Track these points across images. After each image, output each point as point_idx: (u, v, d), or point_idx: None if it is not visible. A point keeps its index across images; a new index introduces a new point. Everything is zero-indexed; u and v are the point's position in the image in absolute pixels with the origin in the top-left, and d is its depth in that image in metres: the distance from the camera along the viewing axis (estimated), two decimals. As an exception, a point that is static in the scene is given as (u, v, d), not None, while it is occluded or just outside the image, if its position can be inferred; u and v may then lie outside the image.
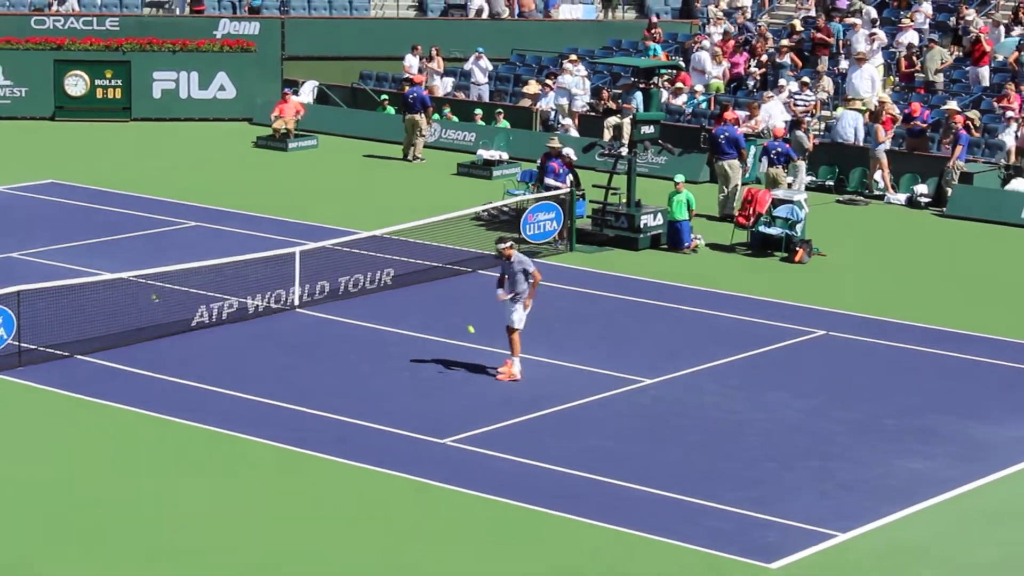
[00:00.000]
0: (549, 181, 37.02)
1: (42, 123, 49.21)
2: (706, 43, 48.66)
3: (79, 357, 28.22)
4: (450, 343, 29.29)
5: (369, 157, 45.89)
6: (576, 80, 47.33)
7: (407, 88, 46.57)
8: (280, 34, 52.38)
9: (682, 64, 47.69)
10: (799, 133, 41.45)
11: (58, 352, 28.18)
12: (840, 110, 43.74)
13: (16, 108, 49.60)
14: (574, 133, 45.65)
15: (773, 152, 39.38)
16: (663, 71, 41.79)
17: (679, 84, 46.75)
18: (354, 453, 24.27)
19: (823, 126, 43.51)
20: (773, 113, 42.73)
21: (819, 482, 23.62)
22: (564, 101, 47.07)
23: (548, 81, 48.31)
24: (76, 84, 49.85)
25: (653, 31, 50.02)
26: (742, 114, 42.51)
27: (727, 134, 39.41)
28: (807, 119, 42.46)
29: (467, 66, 50.35)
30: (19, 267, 33.16)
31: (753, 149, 40.99)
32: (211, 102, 50.45)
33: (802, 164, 41.15)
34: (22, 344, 27.64)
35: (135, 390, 26.79)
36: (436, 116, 48.04)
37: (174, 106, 50.21)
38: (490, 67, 50.38)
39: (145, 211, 38.71)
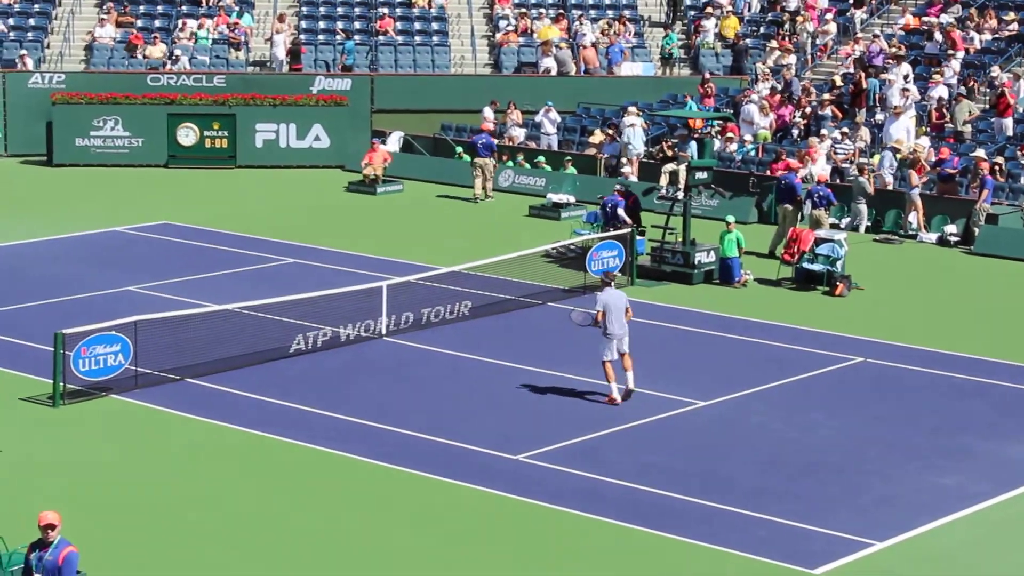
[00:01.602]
0: (620, 212, 37.29)
1: (156, 170, 49.47)
2: (754, 97, 48.59)
3: (189, 380, 28.35)
4: (522, 368, 29.30)
5: (449, 199, 45.98)
6: (632, 131, 47.30)
7: (474, 136, 46.94)
8: (370, 90, 52.59)
9: (732, 115, 47.64)
10: (861, 179, 41.52)
11: (170, 376, 28.32)
12: (876, 158, 43.62)
13: (133, 156, 49.91)
14: (634, 178, 45.64)
15: (816, 195, 39.39)
16: (714, 122, 41.66)
17: (729, 134, 46.72)
18: (435, 467, 24.29)
19: (857, 171, 43.26)
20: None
21: (856, 496, 23.53)
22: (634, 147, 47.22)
23: (611, 131, 48.31)
24: (187, 135, 50.12)
25: (706, 86, 50.00)
26: (798, 165, 42.41)
27: (786, 182, 39.45)
28: (868, 166, 42.38)
29: (537, 118, 50.43)
30: (136, 299, 33.35)
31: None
32: (307, 151, 50.64)
33: (864, 208, 41.29)
34: (138, 368, 27.79)
35: (239, 410, 26.91)
36: (510, 163, 48.17)
37: (274, 154, 50.41)
38: (558, 119, 50.45)
39: (248, 249, 38.88)
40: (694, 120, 43.52)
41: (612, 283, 27.99)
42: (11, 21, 55.08)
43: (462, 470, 24.19)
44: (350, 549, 21.43)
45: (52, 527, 17.20)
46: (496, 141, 47.42)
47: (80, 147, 49.84)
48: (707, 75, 51.50)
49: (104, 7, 55.93)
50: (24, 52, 53.44)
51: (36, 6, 56.04)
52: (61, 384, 26.93)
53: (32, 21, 55.43)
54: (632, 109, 48.02)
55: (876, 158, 43.64)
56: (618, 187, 39.17)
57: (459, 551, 21.43)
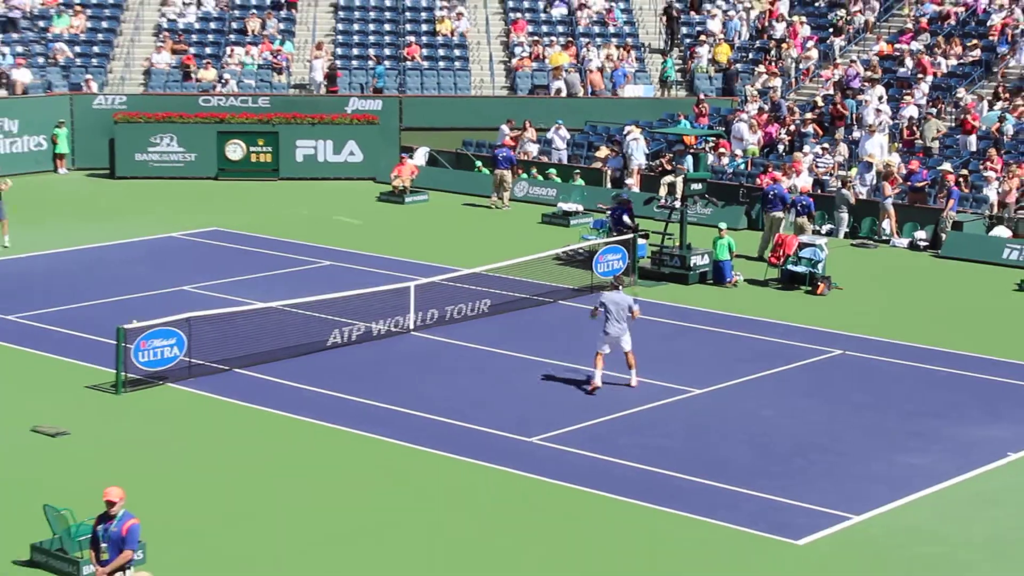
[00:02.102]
0: (626, 218, 37.30)
1: (207, 182, 49.51)
2: (744, 116, 48.54)
3: (237, 370, 28.38)
4: (536, 359, 29.30)
5: (470, 208, 45.98)
6: (635, 144, 47.29)
7: (496, 149, 47.02)
8: (399, 110, 52.58)
9: (724, 133, 47.59)
10: (844, 192, 41.57)
11: (220, 366, 28.36)
12: (853, 171, 43.58)
13: (186, 170, 49.94)
14: (636, 189, 45.63)
15: (799, 205, 39.45)
16: (707, 138, 41.59)
17: (722, 149, 46.67)
18: (458, 448, 24.32)
19: (840, 184, 43.22)
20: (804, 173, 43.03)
21: (836, 474, 23.52)
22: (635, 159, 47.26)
23: (615, 147, 48.30)
24: (235, 150, 50.14)
25: (701, 106, 49.96)
26: (783, 177, 42.35)
27: (775, 191, 39.47)
28: (849, 179, 42.39)
29: (549, 135, 50.39)
30: (189, 297, 33.39)
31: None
32: (343, 164, 50.64)
33: (845, 216, 41.38)
34: (192, 360, 27.83)
35: (281, 397, 26.94)
36: (524, 175, 48.18)
37: (313, 168, 50.42)
38: (568, 135, 50.42)
39: (289, 252, 38.90)
40: (688, 137, 43.51)
41: (620, 287, 27.93)
42: (78, 48, 55.14)
43: (482, 451, 24.21)
44: (378, 522, 21.46)
45: (115, 502, 17.27)
46: (515, 154, 47.39)
47: (139, 161, 49.87)
48: (701, 96, 51.45)
49: (160, 36, 55.99)
50: (89, 76, 53.53)
51: (100, 35, 56.10)
52: (123, 374, 26.99)
53: (96, 48, 55.50)
54: (631, 128, 47.96)
55: (853, 171, 43.58)
56: (616, 196, 39.19)
57: (478, 525, 21.45)
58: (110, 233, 40.81)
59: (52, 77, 53.54)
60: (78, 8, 56.44)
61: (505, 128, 50.27)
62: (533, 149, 50.48)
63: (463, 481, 23.09)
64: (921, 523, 21.69)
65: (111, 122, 49.99)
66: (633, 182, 46.62)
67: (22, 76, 52.43)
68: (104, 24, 56.60)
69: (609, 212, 38.74)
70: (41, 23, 56.28)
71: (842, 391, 27.91)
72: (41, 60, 54.33)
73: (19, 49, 54.26)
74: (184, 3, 57.50)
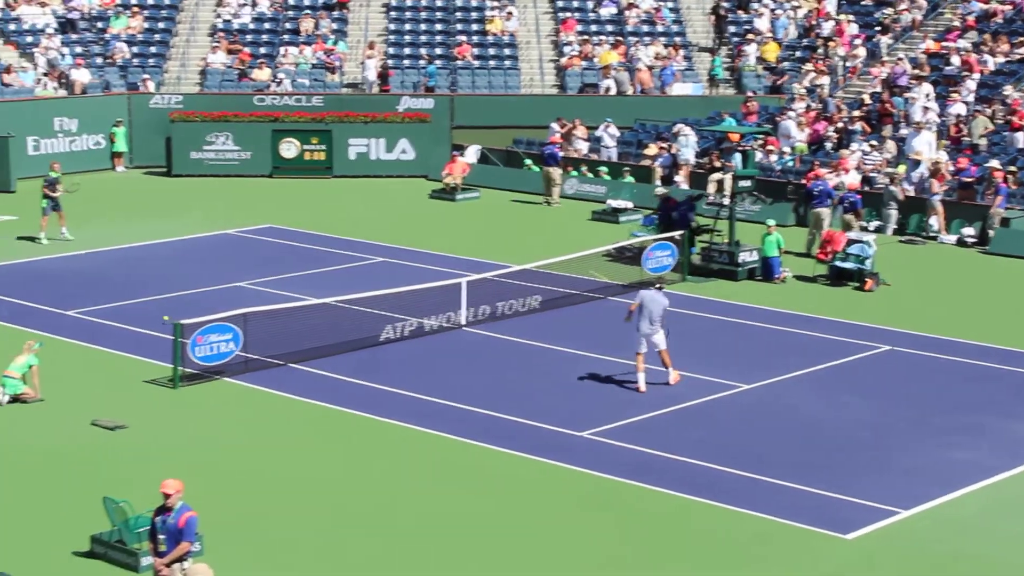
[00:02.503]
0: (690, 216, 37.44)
1: (262, 180, 49.69)
2: (791, 114, 48.37)
3: (292, 365, 28.49)
4: (586, 355, 29.29)
5: (520, 205, 45.99)
6: (685, 139, 47.29)
7: (543, 147, 47.04)
8: (450, 108, 52.64)
9: (772, 130, 47.41)
10: (892, 188, 41.42)
11: (275, 361, 28.47)
12: (901, 167, 43.40)
13: (242, 168, 50.14)
14: (685, 186, 45.56)
15: (847, 202, 39.35)
16: (757, 136, 41.53)
17: (770, 146, 46.53)
18: (508, 442, 24.36)
19: (888, 180, 43.00)
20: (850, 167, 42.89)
21: (884, 468, 23.43)
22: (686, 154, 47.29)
23: (664, 144, 48.25)
24: (289, 148, 50.29)
25: (749, 104, 49.81)
26: (828, 174, 42.20)
27: (821, 187, 39.34)
28: (898, 176, 42.24)
29: (598, 133, 50.35)
30: (245, 294, 33.54)
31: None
32: (395, 162, 50.73)
33: (894, 213, 41.29)
34: (247, 355, 27.94)
35: (336, 391, 27.03)
36: (574, 172, 48.16)
37: (366, 166, 50.53)
38: (617, 133, 50.36)
39: (342, 249, 39.01)
40: (734, 134, 43.38)
41: (662, 287, 27.76)
42: (135, 49, 55.46)
43: (533, 445, 24.23)
44: (431, 515, 21.51)
45: (170, 494, 17.35)
46: (561, 153, 47.34)
47: (195, 160, 50.11)
48: (749, 94, 51.30)
49: (216, 36, 56.25)
50: (147, 76, 53.83)
51: (156, 36, 56.41)
52: (180, 368, 27.15)
53: (153, 49, 55.81)
54: (681, 125, 47.87)
55: (902, 168, 43.38)
56: (660, 192, 39.15)
57: (528, 517, 21.47)
58: (167, 230, 41.01)
59: (110, 77, 53.89)
60: (135, 9, 56.77)
61: (555, 126, 50.25)
62: (583, 147, 50.44)
63: (513, 474, 23.10)
64: (969, 518, 21.59)
65: (168, 121, 50.25)
66: (682, 179, 46.54)
67: (81, 76, 52.79)
68: (161, 25, 56.91)
69: (659, 210, 38.60)
70: (99, 24, 56.66)
71: (890, 387, 27.79)
72: (99, 60, 54.70)
73: (78, 50, 54.65)
74: (239, 4, 57.74)
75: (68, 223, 39.55)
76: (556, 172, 45.88)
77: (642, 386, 27.09)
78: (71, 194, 40.18)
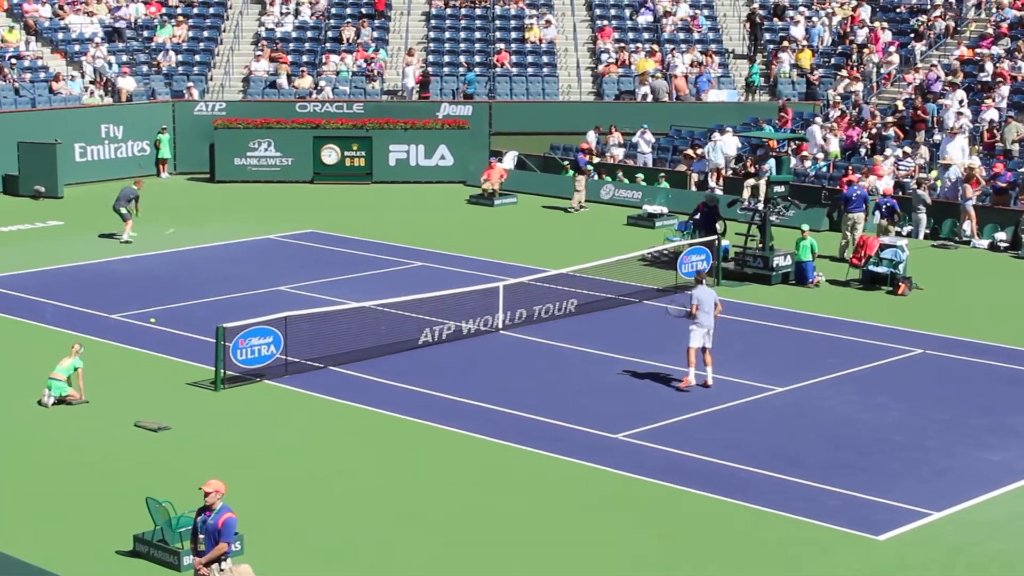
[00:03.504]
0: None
1: (303, 185, 49.83)
2: (818, 120, 48.22)
3: (332, 368, 28.53)
4: (621, 358, 29.26)
5: (558, 211, 45.96)
6: (710, 147, 47.25)
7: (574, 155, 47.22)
8: (488, 115, 52.70)
9: (805, 136, 47.25)
10: (921, 192, 41.26)
11: (315, 364, 28.52)
12: (934, 172, 43.24)
13: (284, 174, 50.31)
14: (719, 192, 45.46)
15: (884, 206, 39.26)
16: (792, 141, 41.45)
17: (804, 152, 46.38)
18: (545, 444, 24.33)
19: (916, 184, 42.79)
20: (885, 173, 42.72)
21: (916, 470, 23.32)
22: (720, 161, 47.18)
23: (700, 151, 48.18)
24: (330, 155, 50.43)
25: (784, 111, 49.66)
26: (872, 178, 42.01)
27: (858, 193, 39.21)
28: (926, 180, 42.14)
29: (635, 139, 50.31)
30: (286, 297, 33.62)
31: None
32: (434, 168, 50.81)
33: (923, 217, 41.08)
34: (288, 357, 28.00)
35: (375, 394, 27.05)
36: (608, 178, 48.10)
37: (405, 172, 50.62)
38: (653, 139, 50.32)
39: (382, 254, 39.06)
40: (771, 140, 43.28)
41: (704, 281, 27.97)
42: (180, 57, 55.70)
43: (569, 447, 24.20)
44: (468, 516, 21.51)
45: (208, 493, 17.37)
46: (587, 159, 47.16)
47: (238, 166, 50.29)
48: (783, 101, 51.15)
49: (259, 45, 56.44)
50: (191, 84, 54.03)
51: (201, 44, 56.64)
52: (222, 371, 27.21)
53: (197, 57, 56.04)
54: (718, 133, 47.82)
55: (934, 173, 43.20)
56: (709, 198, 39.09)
57: (563, 517, 21.44)
58: (210, 235, 41.16)
59: (155, 84, 54.11)
60: (181, 18, 57.01)
61: (591, 133, 50.22)
62: (619, 153, 50.40)
63: (550, 476, 23.07)
64: (999, 520, 21.45)
65: (211, 128, 50.46)
66: (714, 184, 46.47)
67: (127, 84, 53.03)
68: (205, 33, 57.14)
69: (698, 214, 38.40)
70: (145, 33, 56.92)
71: (923, 389, 27.66)
72: (145, 68, 54.94)
73: (124, 58, 54.90)
74: (282, 13, 57.92)
75: (119, 226, 39.84)
76: (581, 178, 45.85)
77: (692, 380, 27.23)
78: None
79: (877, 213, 39.42)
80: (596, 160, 49.29)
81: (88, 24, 56.12)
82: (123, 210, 39.78)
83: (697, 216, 37.83)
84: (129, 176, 48.63)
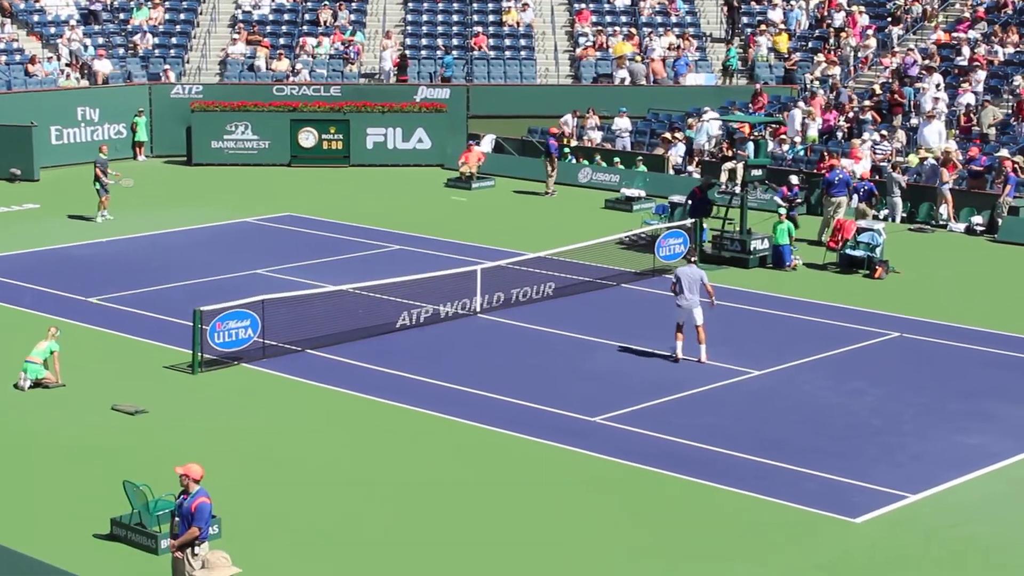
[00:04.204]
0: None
1: (281, 169, 49.71)
2: (802, 104, 48.25)
3: (309, 351, 28.49)
4: (599, 341, 29.26)
5: (534, 195, 45.91)
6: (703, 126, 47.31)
7: (541, 139, 47.14)
8: (466, 98, 52.59)
9: (783, 120, 47.26)
10: (896, 175, 41.31)
11: (293, 347, 28.47)
12: (912, 157, 43.32)
13: (261, 157, 50.17)
14: (696, 175, 45.47)
15: (861, 190, 39.30)
16: (769, 125, 41.41)
17: (781, 136, 46.40)
18: (522, 427, 24.33)
19: (890, 167, 42.86)
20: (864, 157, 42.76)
21: (893, 454, 23.37)
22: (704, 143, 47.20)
23: (677, 135, 48.16)
24: (307, 138, 50.31)
25: (759, 96, 49.66)
26: (847, 162, 42.03)
27: (840, 176, 39.21)
28: (902, 163, 42.21)
29: (616, 122, 50.17)
30: (263, 281, 33.55)
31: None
32: (411, 152, 50.72)
33: (899, 200, 41.10)
34: (266, 341, 27.95)
35: (352, 377, 27.02)
36: (586, 162, 48.08)
37: (383, 155, 50.52)
38: (629, 125, 50.29)
39: (359, 237, 39.01)
40: (743, 125, 43.17)
41: (692, 260, 28.19)
42: (156, 40, 55.48)
43: (547, 430, 24.20)
44: (446, 500, 21.49)
45: (189, 478, 17.23)
46: (558, 144, 47.03)
47: (215, 149, 50.15)
48: (759, 86, 51.14)
49: (236, 27, 56.25)
50: (167, 67, 53.84)
51: (178, 27, 56.44)
52: (199, 354, 27.15)
53: (174, 40, 55.84)
54: (706, 115, 47.78)
55: (911, 156, 43.28)
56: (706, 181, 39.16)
57: (541, 501, 21.44)
58: (187, 218, 41.05)
59: (132, 67, 53.92)
60: (157, 1, 56.76)
61: (568, 117, 50.18)
62: (597, 136, 50.37)
63: (528, 459, 23.08)
64: (975, 503, 21.52)
65: (188, 111, 50.28)
66: (692, 168, 46.46)
67: (103, 67, 52.83)
68: (182, 16, 56.95)
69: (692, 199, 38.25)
70: (121, 15, 56.71)
71: (899, 373, 27.72)
72: (121, 51, 54.73)
73: (100, 40, 54.68)
74: (258, -5, 57.75)
75: (94, 209, 39.67)
76: (549, 163, 45.76)
77: (679, 354, 27.61)
78: (115, 183, 40.44)
79: (855, 196, 39.46)
80: (573, 143, 49.27)
81: (64, 6, 55.87)
82: (105, 180, 39.68)
83: (691, 201, 37.77)
84: (106, 159, 48.56)
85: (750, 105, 49.24)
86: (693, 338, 27.75)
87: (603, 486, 22.04)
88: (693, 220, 36.41)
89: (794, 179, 39.56)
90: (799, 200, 39.55)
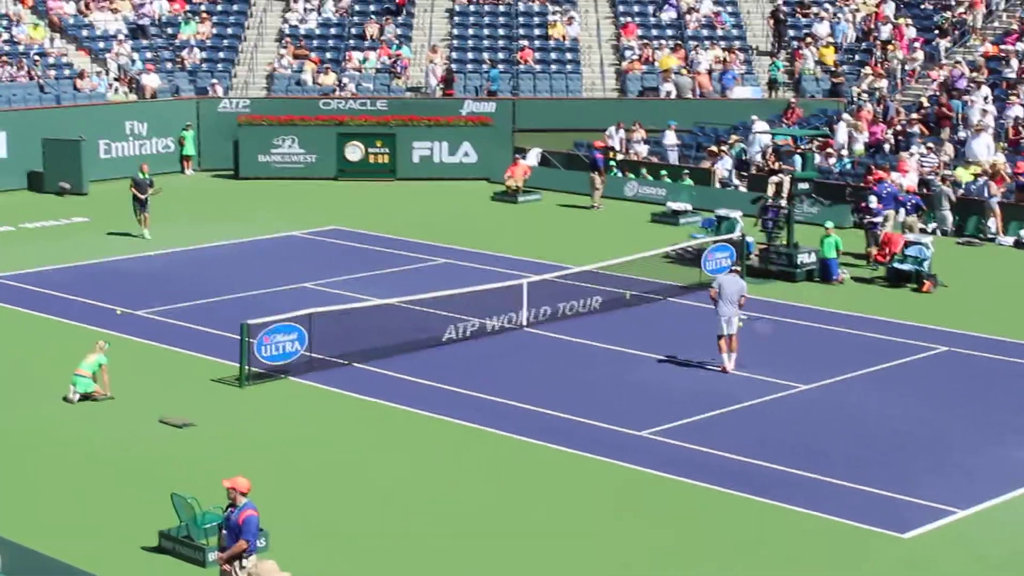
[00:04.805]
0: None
1: (327, 182, 49.85)
2: (846, 116, 48.09)
3: (356, 364, 28.55)
4: (645, 355, 29.22)
5: (581, 208, 45.89)
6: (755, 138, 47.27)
7: (589, 153, 47.08)
8: (512, 112, 52.59)
9: (830, 133, 47.11)
10: (945, 188, 41.16)
11: (340, 360, 28.54)
12: (960, 171, 43.11)
13: (308, 171, 50.33)
14: (743, 189, 45.37)
15: (909, 203, 39.15)
16: (815, 138, 41.30)
17: (828, 149, 46.25)
18: (568, 440, 24.32)
19: (939, 180, 42.67)
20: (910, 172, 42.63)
21: (941, 468, 23.25)
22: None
23: (723, 148, 48.10)
24: (354, 152, 50.45)
25: (792, 109, 49.52)
26: (895, 175, 41.90)
27: (888, 190, 39.03)
28: (949, 178, 42.07)
29: (666, 139, 50.02)
30: (310, 294, 33.65)
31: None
32: (457, 165, 50.80)
33: (948, 214, 41.01)
34: (313, 354, 28.02)
35: (399, 390, 27.06)
36: (632, 175, 48.05)
37: (429, 168, 50.62)
38: (677, 140, 50.23)
39: (406, 251, 39.08)
40: (786, 139, 43.02)
41: (737, 272, 28.39)
42: (204, 54, 55.80)
43: (593, 444, 24.19)
44: (493, 514, 21.51)
45: (236, 491, 17.33)
46: (603, 157, 46.97)
47: (262, 163, 50.35)
48: (793, 99, 50.85)
49: (283, 42, 56.51)
50: (215, 81, 54.12)
51: (225, 41, 56.72)
52: (247, 367, 27.26)
53: (222, 54, 56.12)
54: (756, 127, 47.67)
55: (959, 170, 43.09)
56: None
57: (587, 514, 21.43)
58: (234, 232, 41.21)
59: (180, 82, 54.21)
60: (205, 15, 57.10)
61: (612, 129, 50.19)
62: (643, 150, 50.35)
63: (574, 473, 23.07)
64: (1026, 518, 21.40)
65: (235, 125, 50.50)
66: (737, 182, 46.37)
67: (151, 81, 53.14)
68: (229, 31, 57.24)
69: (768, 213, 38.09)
70: (170, 30, 57.02)
71: (947, 387, 27.59)
72: (169, 65, 55.04)
73: (148, 55, 55.01)
74: (305, 10, 57.98)
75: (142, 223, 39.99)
76: (596, 177, 45.74)
77: (728, 366, 27.77)
78: (156, 196, 40.63)
79: (903, 210, 39.33)
80: (620, 157, 49.26)
81: (112, 21, 56.23)
82: (142, 196, 39.87)
83: (768, 216, 37.49)
84: (154, 173, 48.84)
85: (785, 119, 49.12)
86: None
87: (649, 500, 22.00)
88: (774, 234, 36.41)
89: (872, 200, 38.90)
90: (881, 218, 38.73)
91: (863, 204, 38.45)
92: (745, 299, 28.13)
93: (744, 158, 47.55)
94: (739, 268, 29.01)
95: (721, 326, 27.83)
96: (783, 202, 37.25)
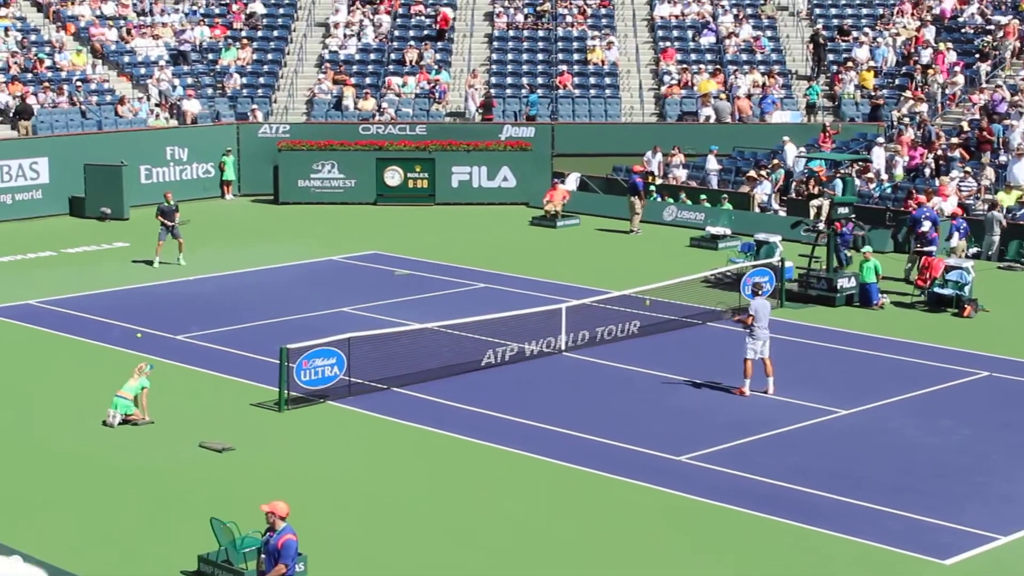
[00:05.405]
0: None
1: (367, 207, 49.99)
2: (882, 140, 47.94)
3: (395, 389, 28.59)
4: (684, 380, 29.18)
5: (620, 233, 45.90)
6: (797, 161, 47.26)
7: (628, 177, 47.08)
8: (551, 136, 52.70)
9: (870, 157, 46.99)
10: (995, 213, 41.03)
11: (379, 385, 28.59)
12: (1001, 195, 42.93)
13: (347, 195, 50.49)
14: (783, 213, 45.30)
15: (961, 228, 39.07)
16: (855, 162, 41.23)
17: (869, 174, 46.13)
18: (607, 465, 24.29)
19: (986, 207, 42.53)
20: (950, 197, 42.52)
21: (982, 494, 23.12)
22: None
23: (763, 172, 48.03)
24: (393, 176, 50.58)
25: (826, 133, 49.45)
26: (937, 199, 41.81)
27: (927, 214, 38.86)
28: (999, 202, 41.96)
29: (709, 164, 50.00)
30: (349, 319, 33.73)
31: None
32: (496, 190, 50.88)
33: (996, 239, 40.96)
34: (352, 379, 28.09)
35: (438, 415, 27.08)
36: (671, 200, 48.04)
37: (468, 193, 50.72)
38: (717, 165, 50.19)
39: (445, 275, 39.14)
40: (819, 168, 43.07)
41: (761, 293, 28.40)
42: (244, 80, 56.09)
43: (632, 469, 24.15)
44: (531, 538, 21.49)
45: (275, 515, 17.40)
46: (643, 181, 47.01)
47: (302, 187, 50.53)
48: (827, 123, 50.84)
49: (323, 67, 56.76)
50: (255, 106, 54.39)
51: (265, 67, 57.01)
52: (286, 392, 27.33)
53: (262, 80, 56.41)
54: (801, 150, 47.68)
55: (1000, 195, 42.92)
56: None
57: (625, 540, 21.39)
58: (274, 256, 41.36)
59: (220, 107, 54.50)
60: (245, 41, 57.42)
61: (650, 154, 50.19)
62: (681, 174, 50.33)
63: (614, 498, 23.03)
64: (1068, 544, 21.25)
65: (275, 150, 50.72)
66: (776, 206, 46.27)
67: (192, 106, 53.45)
68: (269, 56, 57.53)
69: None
70: (210, 56, 57.35)
71: (988, 412, 27.44)
72: (210, 91, 55.35)
73: (189, 81, 55.33)
74: (345, 35, 58.24)
75: (177, 249, 40.11)
76: (635, 200, 45.73)
77: (747, 390, 27.71)
78: (184, 225, 40.82)
79: (956, 234, 39.21)
80: (659, 181, 49.26)
81: (153, 47, 56.62)
82: (168, 223, 39.93)
83: (841, 239, 37.43)
84: (196, 198, 49.14)
85: (820, 144, 49.03)
86: (760, 371, 27.86)
87: (688, 525, 21.95)
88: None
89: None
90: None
91: (920, 231, 38.09)
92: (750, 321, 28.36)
93: (791, 180, 47.40)
94: (757, 288, 28.98)
95: (754, 351, 27.81)
96: (822, 225, 37.14)
